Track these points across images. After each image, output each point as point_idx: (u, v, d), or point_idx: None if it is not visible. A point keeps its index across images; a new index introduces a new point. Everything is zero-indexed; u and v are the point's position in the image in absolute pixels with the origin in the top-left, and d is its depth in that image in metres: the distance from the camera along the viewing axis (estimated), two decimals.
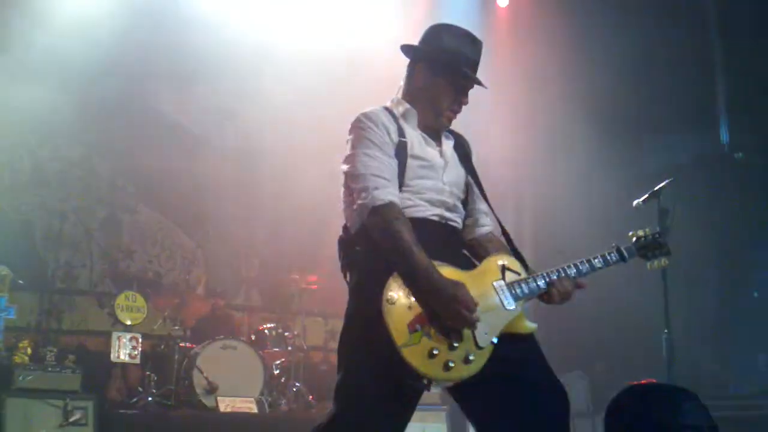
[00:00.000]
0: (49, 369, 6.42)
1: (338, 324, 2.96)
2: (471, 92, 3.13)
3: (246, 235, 9.17)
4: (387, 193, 2.83)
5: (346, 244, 2.99)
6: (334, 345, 2.99)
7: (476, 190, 3.16)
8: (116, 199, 8.69)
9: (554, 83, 8.63)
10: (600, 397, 7.23)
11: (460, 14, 8.69)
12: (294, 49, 8.30)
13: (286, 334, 7.76)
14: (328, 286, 7.87)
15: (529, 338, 2.92)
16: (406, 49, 3.16)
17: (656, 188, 4.89)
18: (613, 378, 7.42)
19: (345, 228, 3.00)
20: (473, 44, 3.10)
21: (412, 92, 3.12)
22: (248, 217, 9.05)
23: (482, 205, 3.18)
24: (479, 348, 2.75)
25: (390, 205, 2.82)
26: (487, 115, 7.39)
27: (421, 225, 2.89)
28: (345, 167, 2.96)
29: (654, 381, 3.07)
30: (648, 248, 3.21)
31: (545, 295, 2.97)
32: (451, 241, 3.02)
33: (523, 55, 8.72)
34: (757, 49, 8.02)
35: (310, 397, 7.52)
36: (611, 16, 8.43)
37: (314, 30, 8.49)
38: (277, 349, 7.67)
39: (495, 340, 2.79)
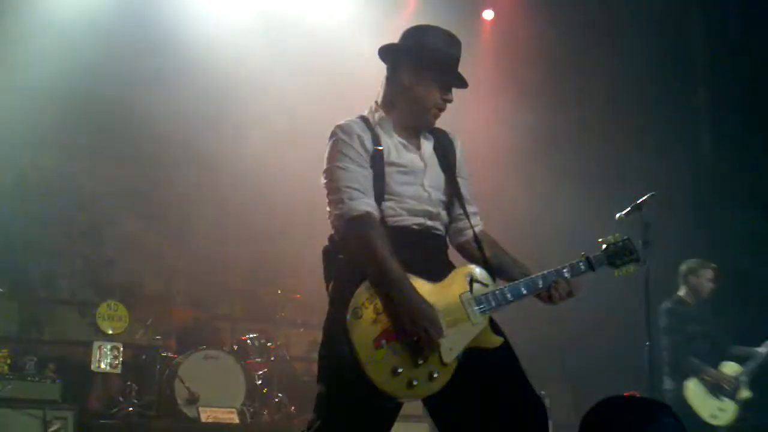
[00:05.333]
0: (29, 378, 6.35)
1: (321, 335, 2.96)
2: (456, 105, 3.13)
3: (229, 245, 9.12)
4: (362, 203, 2.85)
5: (329, 254, 2.99)
6: (317, 355, 2.98)
7: (454, 192, 3.13)
8: (98, 208, 8.62)
9: (538, 96, 8.66)
10: (583, 408, 7.21)
11: (443, 26, 8.69)
12: (277, 57, 8.31)
13: (269, 344, 7.74)
14: (312, 296, 7.84)
15: (504, 349, 2.90)
16: (386, 50, 3.13)
17: (638, 201, 4.87)
18: (596, 389, 7.41)
19: (330, 238, 3.01)
20: (454, 43, 3.13)
21: (395, 92, 3.09)
22: (232, 227, 9.01)
23: (460, 210, 3.15)
24: (444, 364, 2.73)
25: (365, 216, 2.83)
26: (471, 125, 7.41)
27: (402, 234, 2.90)
28: (322, 180, 2.99)
29: (635, 394, 3.07)
30: (617, 255, 3.16)
31: (544, 296, 2.99)
32: (431, 249, 3.02)
33: (508, 68, 8.76)
34: (741, 58, 8.11)
35: (292, 407, 7.48)
36: (595, 29, 8.49)
37: (298, 37, 8.49)
38: (259, 360, 7.64)
39: (460, 356, 2.77)
